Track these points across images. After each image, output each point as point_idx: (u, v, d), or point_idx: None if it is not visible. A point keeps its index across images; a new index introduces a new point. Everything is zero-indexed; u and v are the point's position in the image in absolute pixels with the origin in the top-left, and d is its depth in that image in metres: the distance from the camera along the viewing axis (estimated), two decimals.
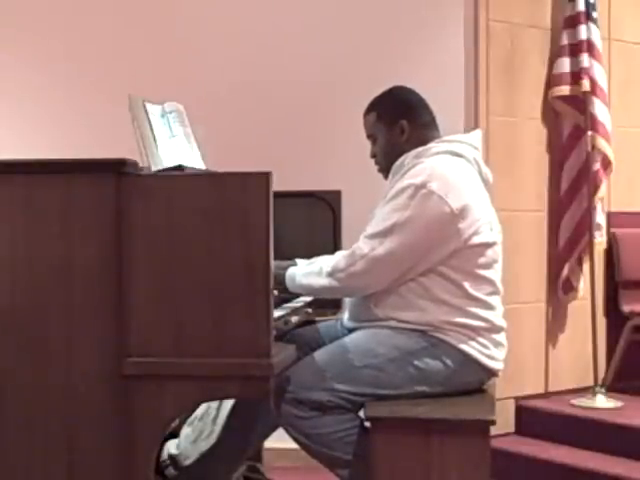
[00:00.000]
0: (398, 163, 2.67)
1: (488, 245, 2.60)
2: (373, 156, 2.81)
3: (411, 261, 2.53)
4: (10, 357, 2.10)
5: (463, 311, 2.55)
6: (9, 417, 2.11)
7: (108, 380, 2.06)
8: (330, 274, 2.54)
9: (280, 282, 2.56)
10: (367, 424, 2.50)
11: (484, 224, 2.59)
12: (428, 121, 2.76)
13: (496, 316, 2.63)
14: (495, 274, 2.64)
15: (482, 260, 2.58)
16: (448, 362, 2.55)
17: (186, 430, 2.83)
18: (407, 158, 2.65)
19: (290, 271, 2.61)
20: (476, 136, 2.79)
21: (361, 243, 2.55)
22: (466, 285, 2.55)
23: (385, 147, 2.75)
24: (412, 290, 2.56)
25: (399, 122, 2.72)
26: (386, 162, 2.74)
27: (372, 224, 2.59)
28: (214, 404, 2.80)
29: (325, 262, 2.59)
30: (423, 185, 2.51)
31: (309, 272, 2.59)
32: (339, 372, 2.51)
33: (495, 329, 2.62)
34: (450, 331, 2.54)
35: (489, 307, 2.60)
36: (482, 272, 2.58)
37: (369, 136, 2.80)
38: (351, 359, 2.53)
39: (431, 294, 2.54)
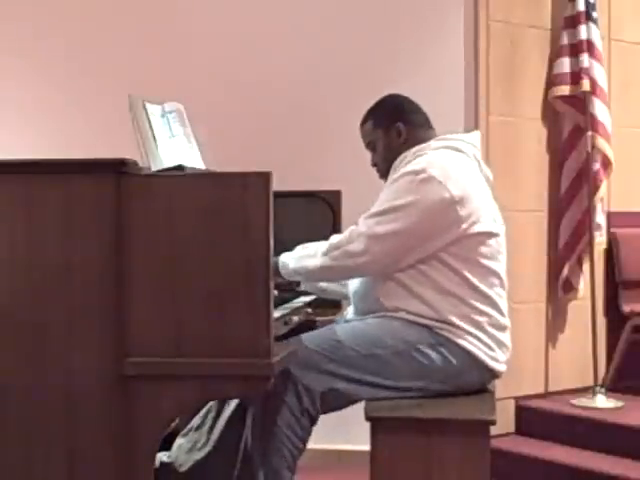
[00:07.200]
0: (398, 161, 2.67)
1: (491, 234, 2.59)
2: (374, 165, 2.82)
3: (408, 244, 2.51)
4: (10, 357, 2.10)
5: (466, 303, 2.54)
6: (9, 417, 2.10)
7: (108, 380, 2.05)
8: (325, 253, 2.53)
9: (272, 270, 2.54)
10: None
11: (485, 214, 2.58)
12: (422, 121, 2.78)
13: (500, 313, 2.62)
14: (500, 266, 2.62)
15: (485, 249, 2.57)
16: (452, 360, 2.54)
17: (179, 441, 2.76)
18: (407, 156, 2.66)
19: (282, 257, 2.60)
20: (475, 136, 2.80)
21: (359, 223, 2.55)
22: (467, 274, 2.54)
23: (384, 151, 2.76)
24: (413, 278, 2.54)
25: (395, 125, 2.74)
26: (386, 166, 2.74)
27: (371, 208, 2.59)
28: (212, 413, 2.77)
29: (320, 245, 2.58)
30: (423, 170, 2.52)
31: (303, 255, 2.58)
32: (343, 358, 2.51)
33: (499, 326, 2.61)
34: (457, 329, 2.53)
35: (492, 301, 2.58)
36: (486, 262, 2.57)
37: (368, 145, 2.82)
38: (357, 347, 2.52)
39: (432, 281, 2.53)
